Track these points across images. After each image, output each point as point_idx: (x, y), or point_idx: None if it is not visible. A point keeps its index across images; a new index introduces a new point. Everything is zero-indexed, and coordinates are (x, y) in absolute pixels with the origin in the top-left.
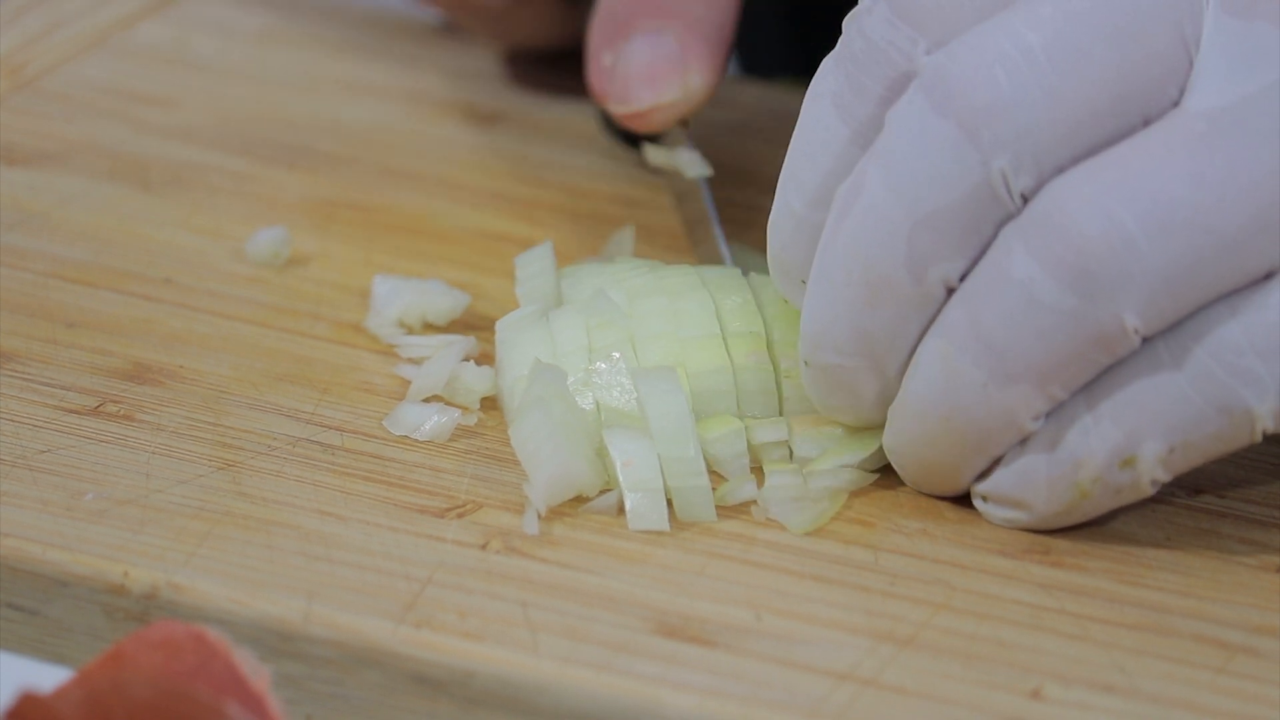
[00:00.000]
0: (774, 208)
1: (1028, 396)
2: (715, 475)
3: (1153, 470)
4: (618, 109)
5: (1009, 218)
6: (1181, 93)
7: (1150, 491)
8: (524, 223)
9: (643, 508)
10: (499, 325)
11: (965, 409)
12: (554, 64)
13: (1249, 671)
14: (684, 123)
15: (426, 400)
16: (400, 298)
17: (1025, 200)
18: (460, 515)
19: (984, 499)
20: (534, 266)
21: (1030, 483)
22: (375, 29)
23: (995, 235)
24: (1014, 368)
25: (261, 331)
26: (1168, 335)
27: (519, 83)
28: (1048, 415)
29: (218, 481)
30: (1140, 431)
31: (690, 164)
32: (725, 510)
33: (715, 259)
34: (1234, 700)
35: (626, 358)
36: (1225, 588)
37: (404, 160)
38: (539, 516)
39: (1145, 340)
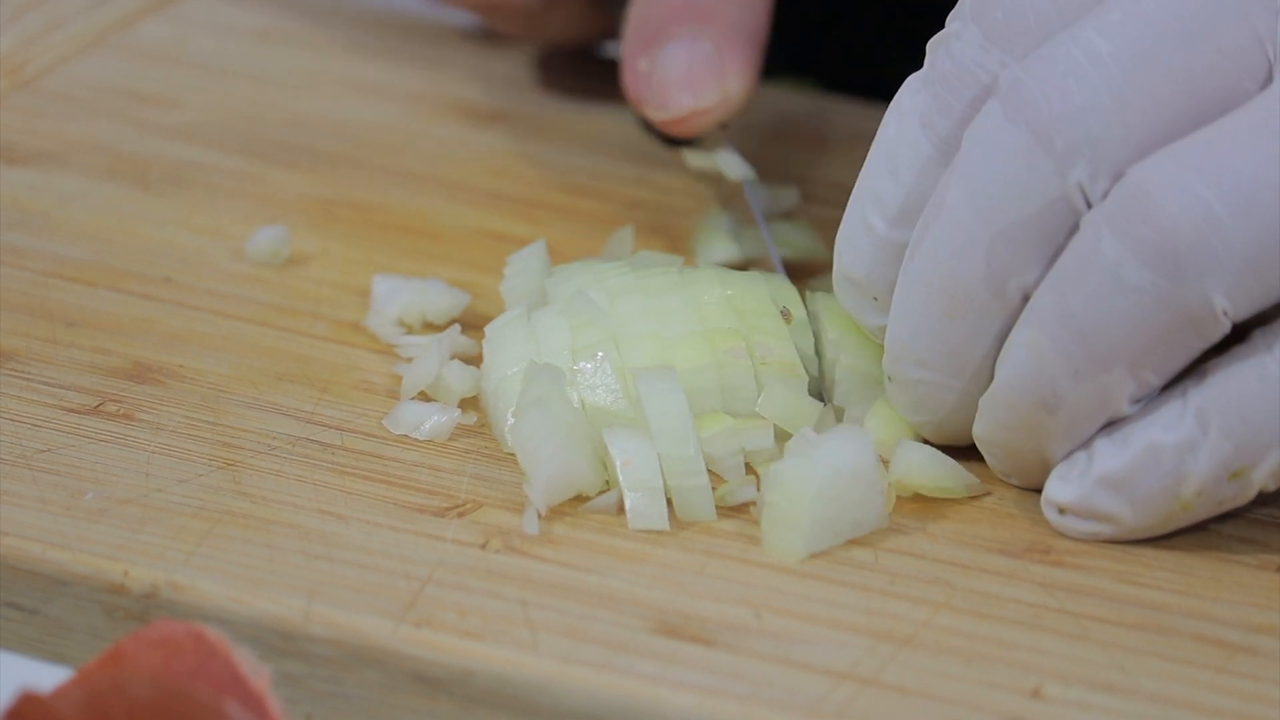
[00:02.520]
0: (845, 224)
1: (1121, 380)
2: (714, 475)
3: (1264, 481)
4: (656, 115)
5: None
6: (1261, 87)
7: (1242, 502)
8: (524, 223)
9: (642, 507)
10: (487, 329)
11: (1057, 396)
12: (553, 63)
13: (1249, 671)
14: (723, 126)
15: (419, 397)
16: (400, 297)
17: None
18: (460, 514)
19: (1061, 511)
20: (519, 265)
21: (1126, 497)
22: (375, 29)
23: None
24: (1104, 352)
25: (261, 331)
26: (1269, 335)
27: (519, 83)
28: (1141, 401)
29: (218, 481)
30: (1252, 444)
31: (732, 167)
32: (725, 509)
33: (763, 263)
34: (1234, 699)
35: (610, 357)
36: (1225, 587)
37: (404, 160)
38: (539, 516)
39: (1237, 327)
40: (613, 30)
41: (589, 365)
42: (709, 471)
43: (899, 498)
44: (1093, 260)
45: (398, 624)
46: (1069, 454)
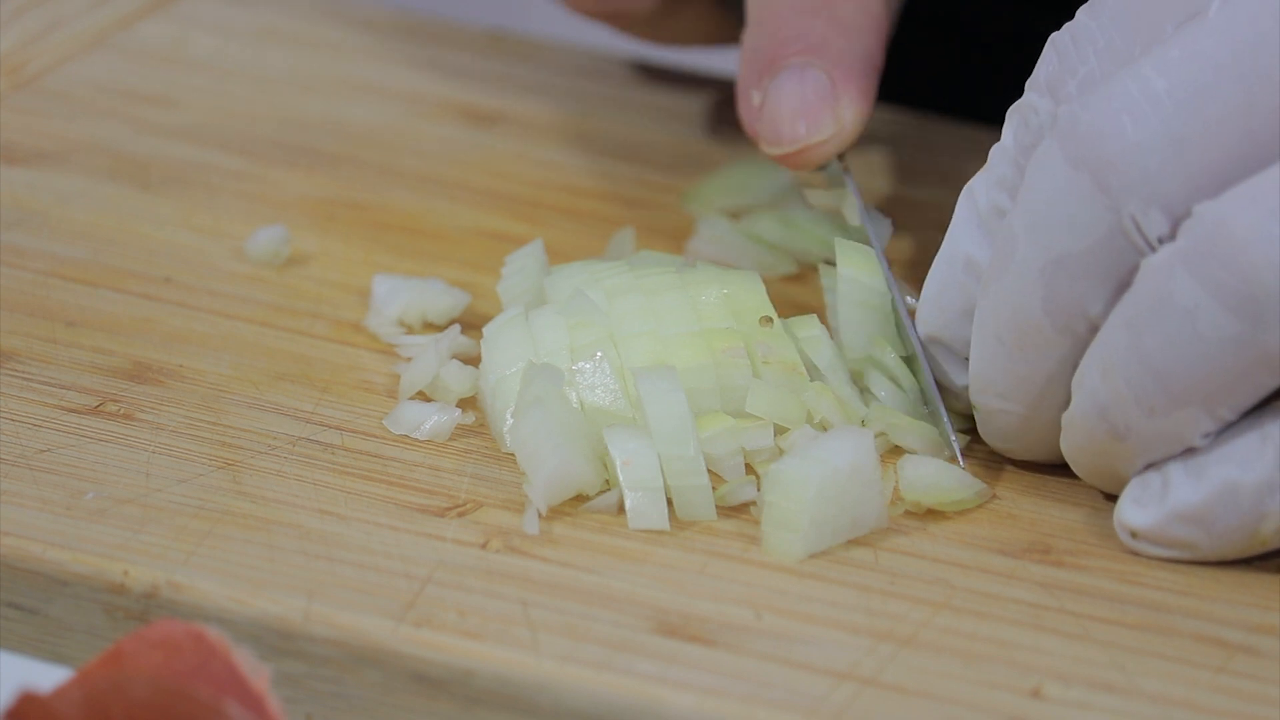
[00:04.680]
0: (929, 284)
1: (1195, 418)
2: (714, 475)
3: None
4: (771, 150)
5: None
6: None
7: None
8: (524, 223)
9: (643, 507)
10: (485, 329)
11: (1129, 428)
12: (554, 63)
13: (1249, 670)
14: (840, 157)
15: (418, 397)
16: (400, 297)
17: (1161, 242)
18: (460, 514)
19: (1134, 535)
20: (517, 265)
21: (1203, 529)
22: (375, 29)
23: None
24: (1180, 392)
25: (261, 330)
26: None
27: (519, 83)
28: (1217, 434)
29: (218, 480)
30: None
31: (853, 212)
32: (725, 509)
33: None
34: (1234, 699)
35: (609, 357)
36: (1225, 587)
37: (404, 160)
38: (539, 515)
39: None
40: (737, 35)
41: (587, 365)
42: (709, 471)
43: (900, 498)
44: (1167, 301)
45: (398, 624)
46: (1142, 471)
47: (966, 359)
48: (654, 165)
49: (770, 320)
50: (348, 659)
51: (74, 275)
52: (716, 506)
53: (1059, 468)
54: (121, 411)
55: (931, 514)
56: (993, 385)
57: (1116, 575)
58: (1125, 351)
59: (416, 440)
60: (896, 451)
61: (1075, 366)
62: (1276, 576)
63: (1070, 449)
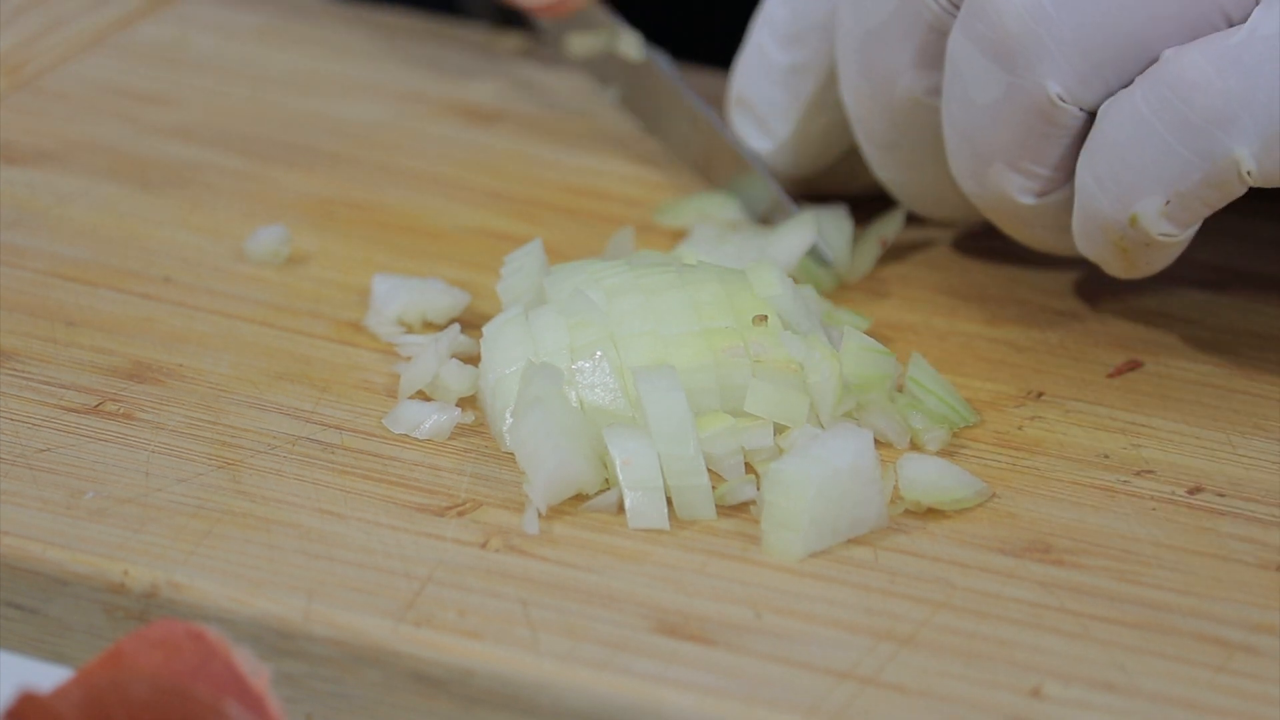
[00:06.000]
0: (743, 49)
1: (1004, 176)
2: (714, 474)
3: (1156, 224)
4: (527, 1)
5: (947, 23)
6: None
7: (1164, 242)
8: (524, 222)
9: (642, 506)
10: (485, 328)
11: (972, 195)
12: (553, 63)
13: (1249, 670)
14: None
15: (418, 396)
16: (399, 296)
17: (956, 7)
18: (460, 514)
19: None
20: (516, 264)
21: (1083, 240)
22: (375, 29)
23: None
24: (985, 152)
25: (261, 330)
26: (1145, 88)
27: (519, 83)
28: (1041, 196)
29: (217, 480)
30: (1136, 189)
31: (632, 47)
32: (725, 509)
33: (711, 137)
34: (1234, 698)
35: (609, 356)
36: (1225, 586)
37: (403, 159)
38: (539, 515)
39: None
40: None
41: (587, 364)
42: (709, 471)
43: (900, 497)
44: (955, 66)
45: (398, 623)
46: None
47: (763, 120)
48: (654, 165)
49: (765, 319)
50: (348, 659)
51: (74, 275)
52: (716, 506)
53: (1059, 468)
54: (121, 411)
55: (931, 513)
56: (868, 136)
57: (1116, 574)
58: (946, 125)
59: (416, 440)
60: (895, 451)
61: (923, 135)
62: (1276, 576)
63: (979, 210)
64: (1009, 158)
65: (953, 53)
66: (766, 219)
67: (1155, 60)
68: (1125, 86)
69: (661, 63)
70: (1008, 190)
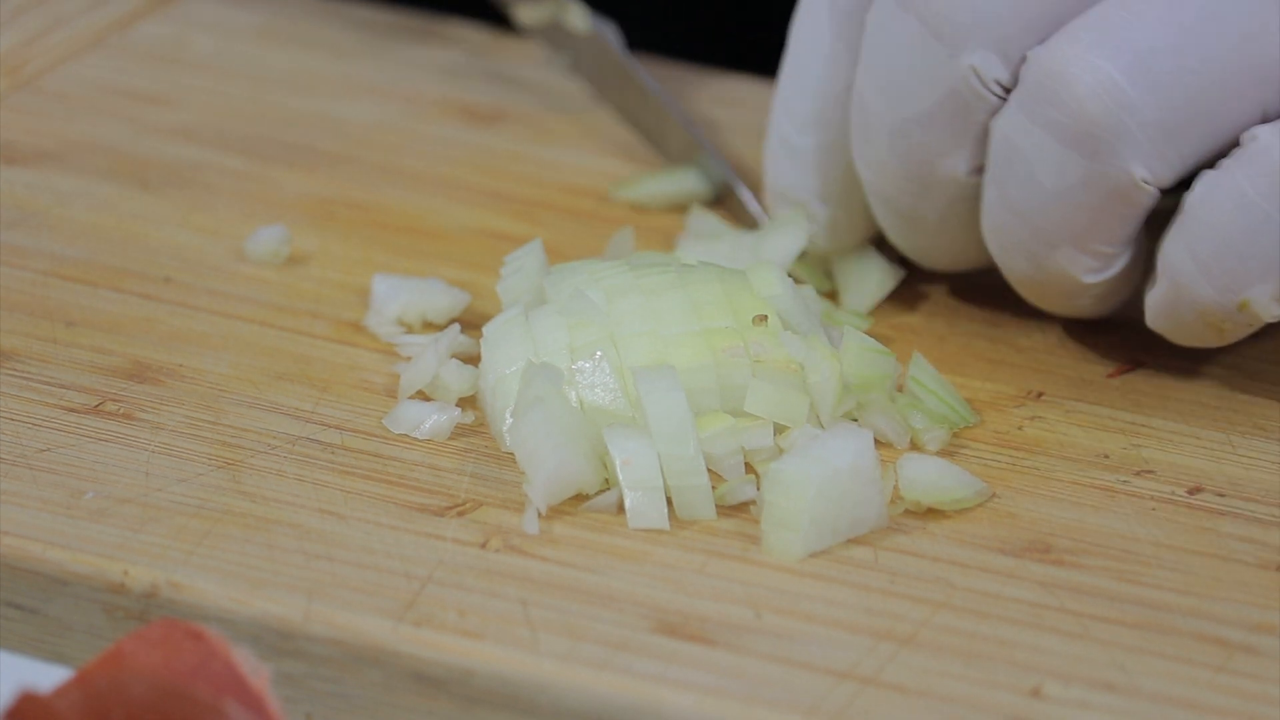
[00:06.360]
0: (767, 139)
1: (1072, 258)
2: (713, 474)
3: (1269, 309)
4: None
5: (997, 107)
6: None
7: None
8: (524, 222)
9: (642, 506)
10: (485, 328)
11: (1018, 270)
12: (553, 63)
13: (1249, 670)
14: None
15: (417, 396)
16: (399, 296)
17: (1006, 90)
18: (460, 514)
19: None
20: (516, 264)
21: (1171, 324)
22: (375, 29)
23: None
24: (1051, 235)
25: (261, 330)
26: (1250, 172)
27: (519, 83)
28: (1102, 273)
29: (217, 480)
30: (1247, 277)
31: (579, 18)
32: (725, 509)
33: (652, 110)
34: (1234, 698)
35: (609, 356)
36: (1225, 586)
37: (403, 159)
38: (539, 515)
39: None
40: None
41: (587, 364)
42: (709, 471)
43: (900, 497)
44: (1016, 149)
45: (398, 623)
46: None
47: (807, 206)
48: (653, 165)
49: (765, 319)
50: (348, 659)
51: (74, 275)
52: (716, 506)
53: (1059, 468)
54: (121, 411)
55: (931, 513)
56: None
57: (1116, 574)
58: (996, 205)
59: (416, 440)
60: (895, 451)
61: (955, 208)
62: (1276, 576)
63: (1014, 283)
64: (1079, 240)
65: (1010, 137)
66: (719, 198)
67: (1232, 137)
68: (1206, 163)
69: (609, 35)
70: (1072, 271)
